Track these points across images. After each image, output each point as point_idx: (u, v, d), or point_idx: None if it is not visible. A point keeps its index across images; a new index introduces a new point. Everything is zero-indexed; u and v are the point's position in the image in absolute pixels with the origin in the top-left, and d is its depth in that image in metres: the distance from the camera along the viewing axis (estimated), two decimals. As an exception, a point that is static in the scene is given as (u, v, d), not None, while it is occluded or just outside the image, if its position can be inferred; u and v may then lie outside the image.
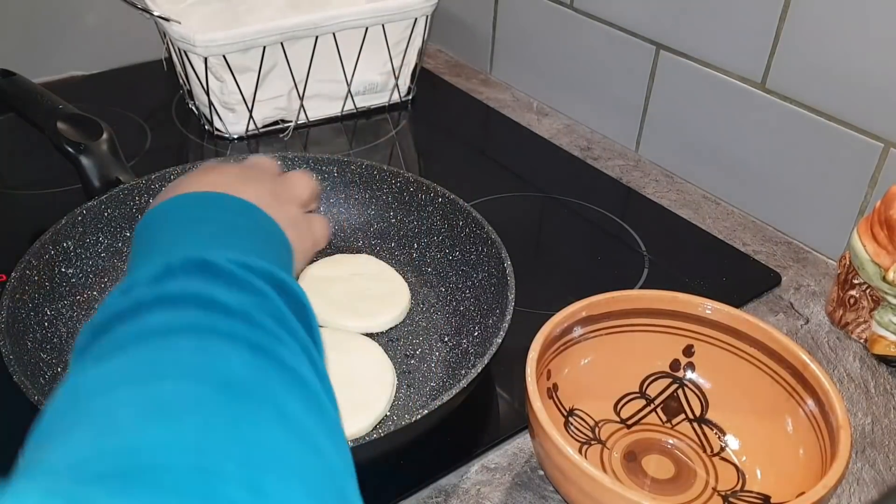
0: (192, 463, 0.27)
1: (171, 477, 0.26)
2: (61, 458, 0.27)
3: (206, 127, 0.97)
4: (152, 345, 0.34)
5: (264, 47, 0.90)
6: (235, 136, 0.96)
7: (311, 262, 0.74)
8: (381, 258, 0.76)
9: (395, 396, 0.62)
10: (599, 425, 0.61)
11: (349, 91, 0.99)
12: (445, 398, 0.54)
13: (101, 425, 0.28)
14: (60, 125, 0.74)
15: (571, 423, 0.60)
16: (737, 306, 0.61)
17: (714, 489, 0.57)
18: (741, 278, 0.78)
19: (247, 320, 0.36)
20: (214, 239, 0.44)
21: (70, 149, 0.73)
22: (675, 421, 0.62)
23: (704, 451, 0.60)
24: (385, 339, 0.68)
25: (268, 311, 0.37)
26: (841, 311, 0.72)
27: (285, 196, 0.53)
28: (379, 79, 1.01)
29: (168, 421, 0.29)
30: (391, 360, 0.65)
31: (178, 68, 0.97)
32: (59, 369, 0.61)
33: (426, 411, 0.53)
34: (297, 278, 0.57)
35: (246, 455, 0.28)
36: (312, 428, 0.32)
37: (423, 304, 0.72)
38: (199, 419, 0.29)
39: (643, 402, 0.63)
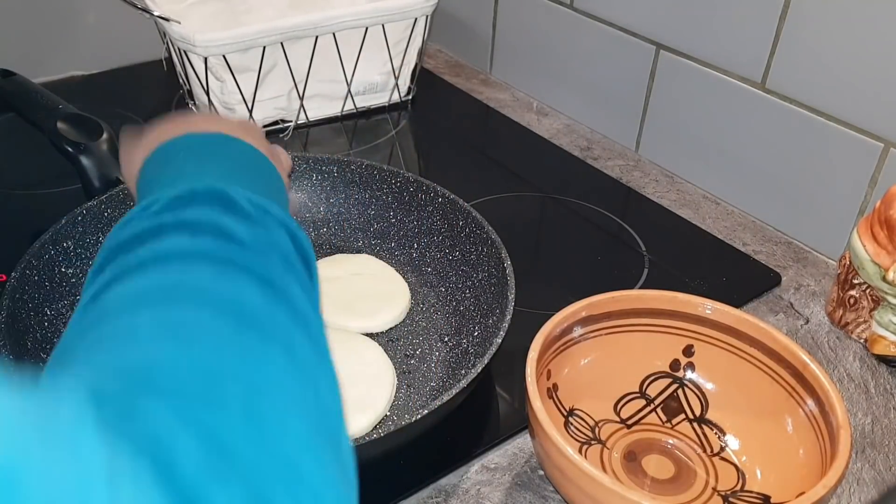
0: (201, 383, 0.29)
1: (180, 395, 0.28)
2: (85, 372, 0.29)
3: (206, 127, 0.97)
4: (172, 268, 0.35)
5: (264, 47, 0.90)
6: (235, 136, 0.96)
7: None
8: (381, 258, 0.76)
9: (395, 396, 0.62)
10: (599, 425, 0.61)
11: (349, 91, 0.99)
12: (445, 398, 0.54)
13: (123, 344, 0.30)
14: (60, 125, 0.74)
15: (571, 423, 0.60)
16: (737, 306, 0.61)
17: (714, 489, 0.57)
18: (741, 278, 0.78)
19: (261, 256, 0.37)
20: (232, 176, 0.45)
21: (70, 149, 0.73)
22: (675, 421, 0.62)
23: (704, 451, 0.60)
24: (385, 339, 0.68)
25: (279, 252, 0.39)
26: (841, 311, 0.72)
27: (274, 157, 0.55)
28: (379, 79, 1.01)
29: (184, 344, 0.30)
30: (391, 360, 0.65)
31: (178, 68, 0.97)
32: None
33: (426, 411, 0.53)
34: None
35: (251, 383, 0.30)
36: (313, 368, 0.34)
37: (423, 304, 0.72)
38: (212, 345, 0.31)
39: (643, 402, 0.63)
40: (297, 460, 0.29)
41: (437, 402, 0.54)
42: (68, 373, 0.29)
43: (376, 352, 0.65)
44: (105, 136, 0.75)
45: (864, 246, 0.67)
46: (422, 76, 1.07)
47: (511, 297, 0.62)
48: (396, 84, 1.02)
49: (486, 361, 0.57)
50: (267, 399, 0.30)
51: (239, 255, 0.36)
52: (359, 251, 0.77)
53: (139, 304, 0.33)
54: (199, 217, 0.38)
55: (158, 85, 1.06)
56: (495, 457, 0.60)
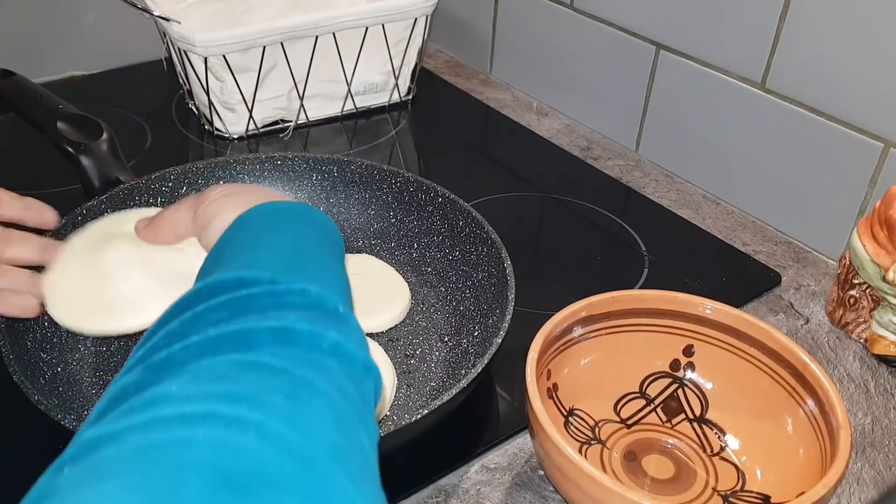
0: None
1: None
2: None
3: (206, 127, 0.97)
4: (246, 378, 0.33)
5: (264, 47, 0.90)
6: (235, 136, 0.96)
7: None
8: (381, 258, 0.76)
9: (395, 396, 0.62)
10: (599, 425, 0.61)
11: (349, 91, 0.99)
12: (445, 398, 0.54)
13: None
14: (60, 125, 0.74)
15: (571, 423, 0.60)
16: (737, 306, 0.61)
17: (714, 489, 0.57)
18: (741, 278, 0.78)
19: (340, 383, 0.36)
20: (328, 265, 0.45)
21: (70, 149, 0.73)
22: (675, 421, 0.62)
23: (704, 451, 0.60)
24: (385, 339, 0.68)
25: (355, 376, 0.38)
26: (841, 311, 0.72)
27: None
28: (379, 79, 1.01)
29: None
30: (391, 360, 0.65)
31: (178, 68, 0.97)
32: (58, 369, 0.61)
33: (426, 411, 0.53)
34: None
35: None
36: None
37: (423, 304, 0.72)
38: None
39: (643, 401, 0.63)
40: None
41: (437, 402, 0.54)
42: None
43: (376, 352, 0.65)
44: (105, 136, 0.74)
45: (864, 246, 0.67)
46: (422, 76, 1.07)
47: (511, 297, 0.62)
48: (396, 84, 1.02)
49: (486, 361, 0.57)
50: None
51: (319, 377, 0.35)
52: (359, 251, 0.77)
53: (197, 423, 0.30)
54: (308, 325, 0.36)
55: (158, 85, 1.06)
56: (495, 457, 0.60)
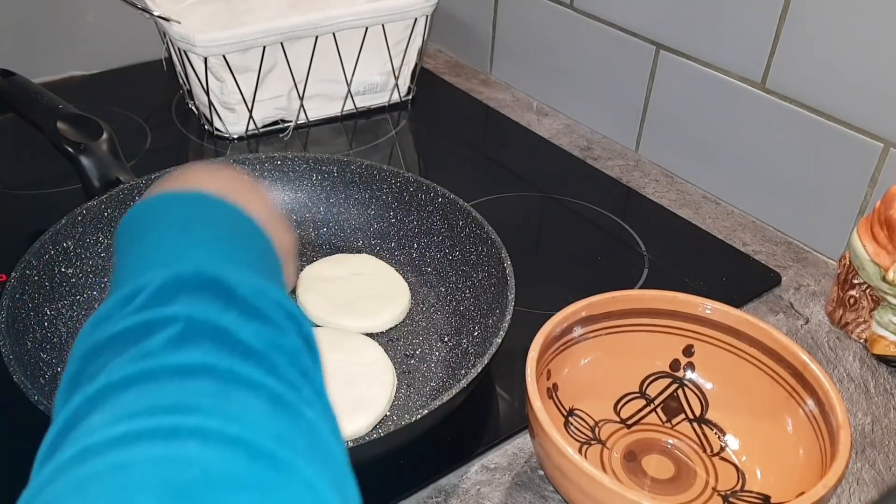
0: None
1: None
2: None
3: (206, 127, 0.97)
4: (165, 388, 0.30)
5: (264, 47, 0.90)
6: (235, 136, 0.96)
7: (311, 261, 0.75)
8: (381, 258, 0.76)
9: (395, 396, 0.62)
10: (599, 425, 0.61)
11: (349, 91, 0.99)
12: (445, 398, 0.54)
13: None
14: (60, 125, 0.74)
15: (571, 423, 0.60)
16: (737, 306, 0.61)
17: (714, 489, 0.57)
18: (741, 278, 0.78)
19: (267, 365, 0.32)
20: (217, 250, 0.39)
21: (70, 149, 0.73)
22: (675, 421, 0.62)
23: (704, 451, 0.60)
24: (385, 339, 0.68)
25: (286, 353, 0.34)
26: (841, 311, 0.72)
27: (276, 229, 0.48)
28: (379, 79, 1.01)
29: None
30: (391, 360, 0.65)
31: (178, 68, 0.97)
32: (58, 369, 0.61)
33: (426, 411, 0.53)
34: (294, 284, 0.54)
35: None
36: (330, 495, 0.30)
37: (423, 304, 0.72)
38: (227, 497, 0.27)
39: (643, 402, 0.63)
40: None
41: (437, 402, 0.54)
42: None
43: (376, 352, 0.65)
44: (105, 136, 0.75)
45: (864, 246, 0.67)
46: (422, 76, 1.07)
47: (511, 297, 0.62)
48: (396, 84, 1.02)
49: (486, 361, 0.57)
50: None
51: (241, 367, 0.32)
52: (359, 251, 0.77)
53: (130, 442, 0.28)
54: (191, 313, 0.33)
55: (158, 85, 1.06)
56: (495, 457, 0.60)
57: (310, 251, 0.77)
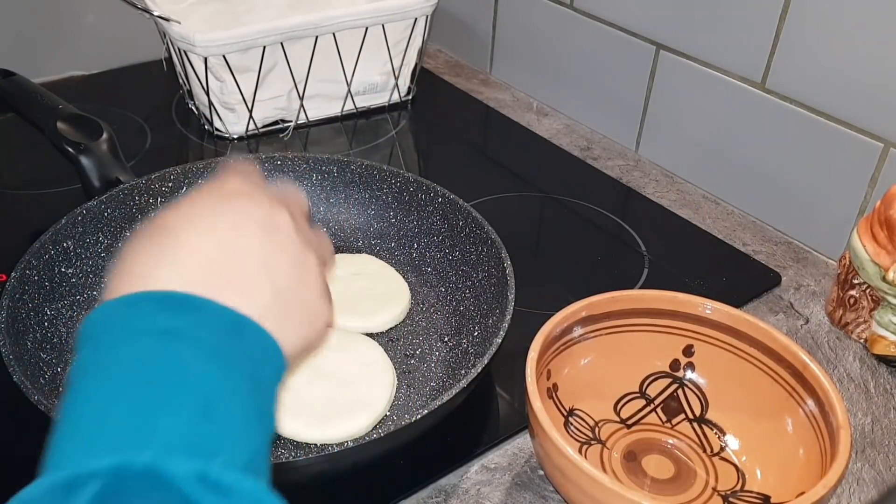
0: None
1: None
2: None
3: (206, 127, 0.97)
4: None
5: (264, 47, 0.90)
6: (235, 136, 0.96)
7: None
8: (381, 258, 0.76)
9: (395, 396, 0.62)
10: (599, 425, 0.61)
11: (349, 91, 0.99)
12: (445, 398, 0.54)
13: None
14: (60, 125, 0.74)
15: (571, 423, 0.60)
16: (737, 306, 0.61)
17: (714, 489, 0.57)
18: (741, 278, 0.78)
19: None
20: (184, 422, 0.31)
21: (70, 149, 0.73)
22: (674, 421, 0.62)
23: (704, 451, 0.60)
24: (385, 339, 0.68)
25: None
26: (841, 311, 0.72)
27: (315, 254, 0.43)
28: (379, 79, 1.01)
29: None
30: (391, 360, 0.65)
31: (178, 68, 0.97)
32: (58, 369, 0.61)
33: (426, 411, 0.53)
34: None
35: None
36: None
37: (423, 304, 0.72)
38: None
39: (643, 402, 0.63)
40: None
41: (437, 402, 0.54)
42: None
43: (376, 352, 0.65)
44: (105, 136, 0.75)
45: (864, 246, 0.67)
46: (422, 76, 1.07)
47: (511, 297, 0.62)
48: (396, 84, 1.02)
49: (486, 361, 0.57)
50: None
51: None
52: (359, 251, 0.77)
53: None
54: None
55: (158, 85, 1.06)
56: (495, 457, 0.60)
57: (310, 251, 0.77)
